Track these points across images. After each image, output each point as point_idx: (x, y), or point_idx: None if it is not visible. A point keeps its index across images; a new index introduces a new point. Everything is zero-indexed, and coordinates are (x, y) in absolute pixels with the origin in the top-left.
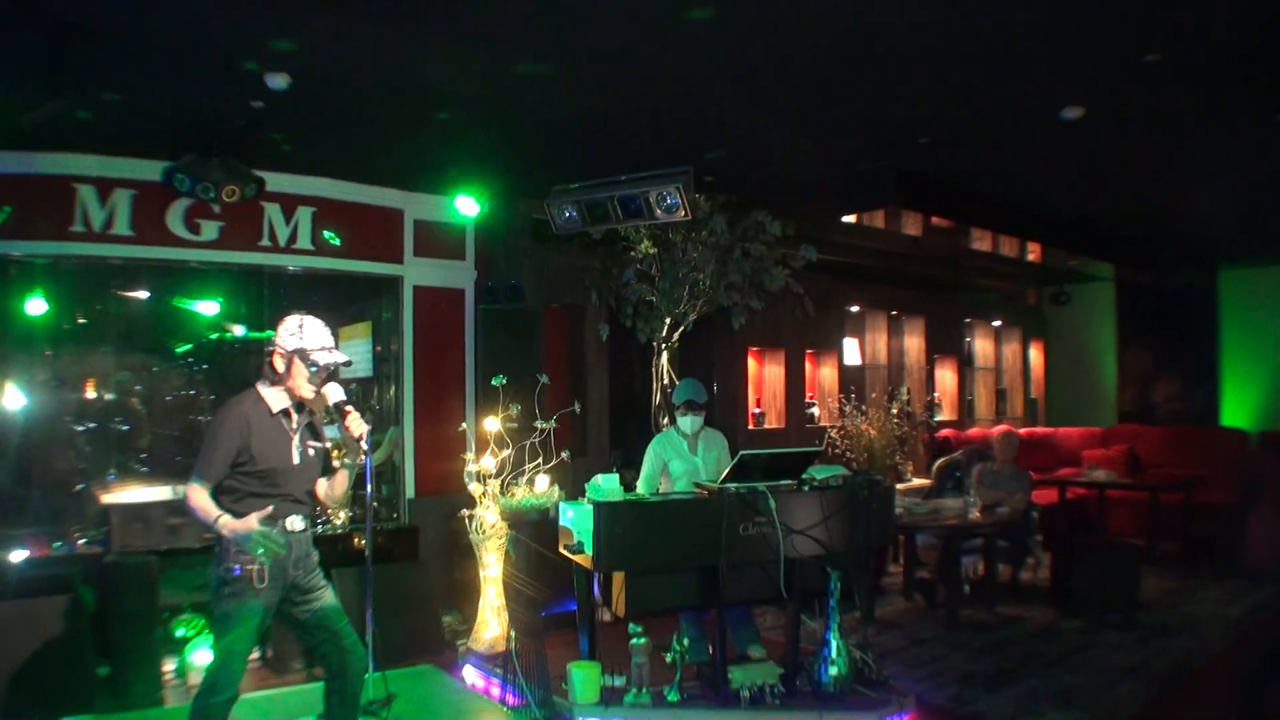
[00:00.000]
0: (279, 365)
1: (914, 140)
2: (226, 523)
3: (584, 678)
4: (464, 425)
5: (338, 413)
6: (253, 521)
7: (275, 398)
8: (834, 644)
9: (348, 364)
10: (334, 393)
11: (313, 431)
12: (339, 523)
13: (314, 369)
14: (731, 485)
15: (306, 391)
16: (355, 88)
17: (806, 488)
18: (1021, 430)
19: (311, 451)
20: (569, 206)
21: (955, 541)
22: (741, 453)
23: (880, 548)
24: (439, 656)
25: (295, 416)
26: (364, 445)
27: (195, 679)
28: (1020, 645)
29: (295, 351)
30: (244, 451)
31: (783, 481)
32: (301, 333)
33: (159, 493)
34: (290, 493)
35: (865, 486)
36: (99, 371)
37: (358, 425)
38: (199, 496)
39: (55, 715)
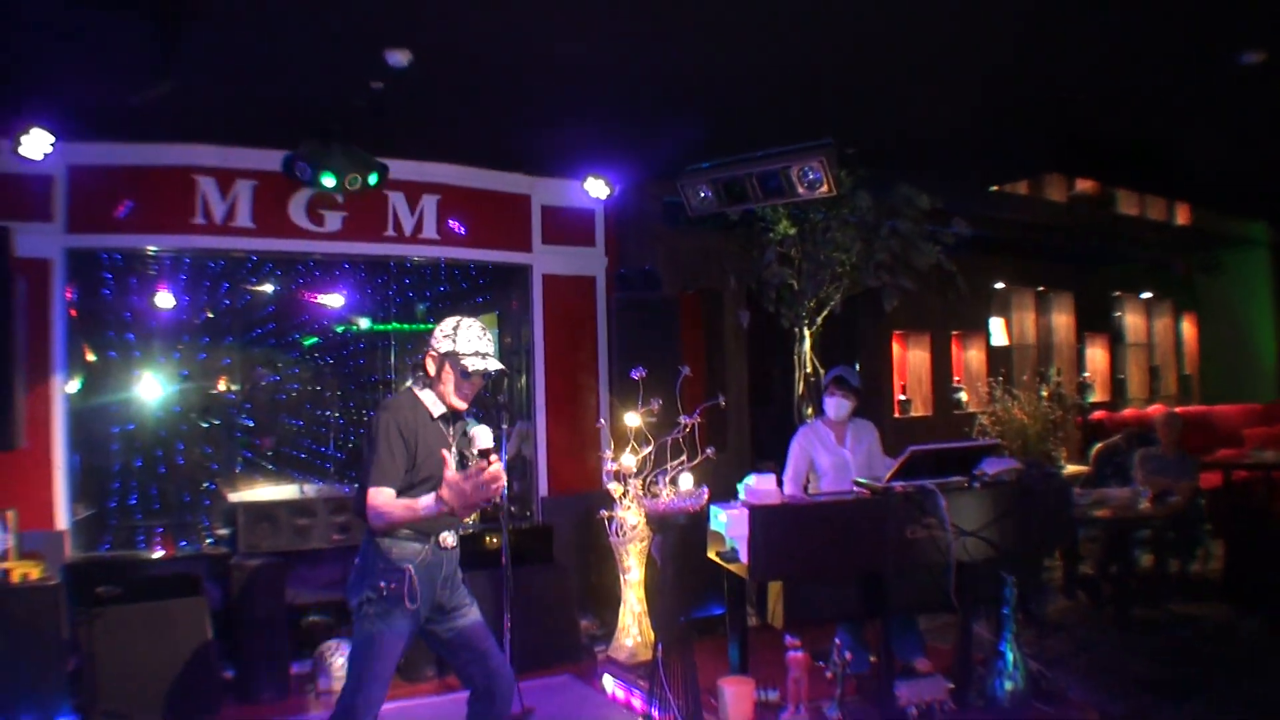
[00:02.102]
0: (430, 368)
1: (1073, 98)
2: (444, 487)
3: (736, 695)
4: (602, 421)
5: (482, 459)
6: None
7: (433, 401)
8: (1009, 655)
9: (502, 373)
10: (483, 437)
11: (467, 441)
12: (469, 521)
13: (465, 376)
14: (896, 483)
15: (455, 400)
16: (481, 63)
17: (977, 484)
18: (1178, 409)
19: (468, 461)
20: (704, 186)
21: (1126, 534)
22: (910, 449)
23: (1059, 549)
24: (576, 664)
25: (454, 425)
26: (495, 499)
27: (323, 684)
28: (1199, 648)
29: (446, 355)
30: (410, 456)
31: (952, 478)
32: (455, 335)
33: (286, 491)
34: None
35: (1040, 481)
36: (224, 366)
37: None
38: (386, 505)
39: None
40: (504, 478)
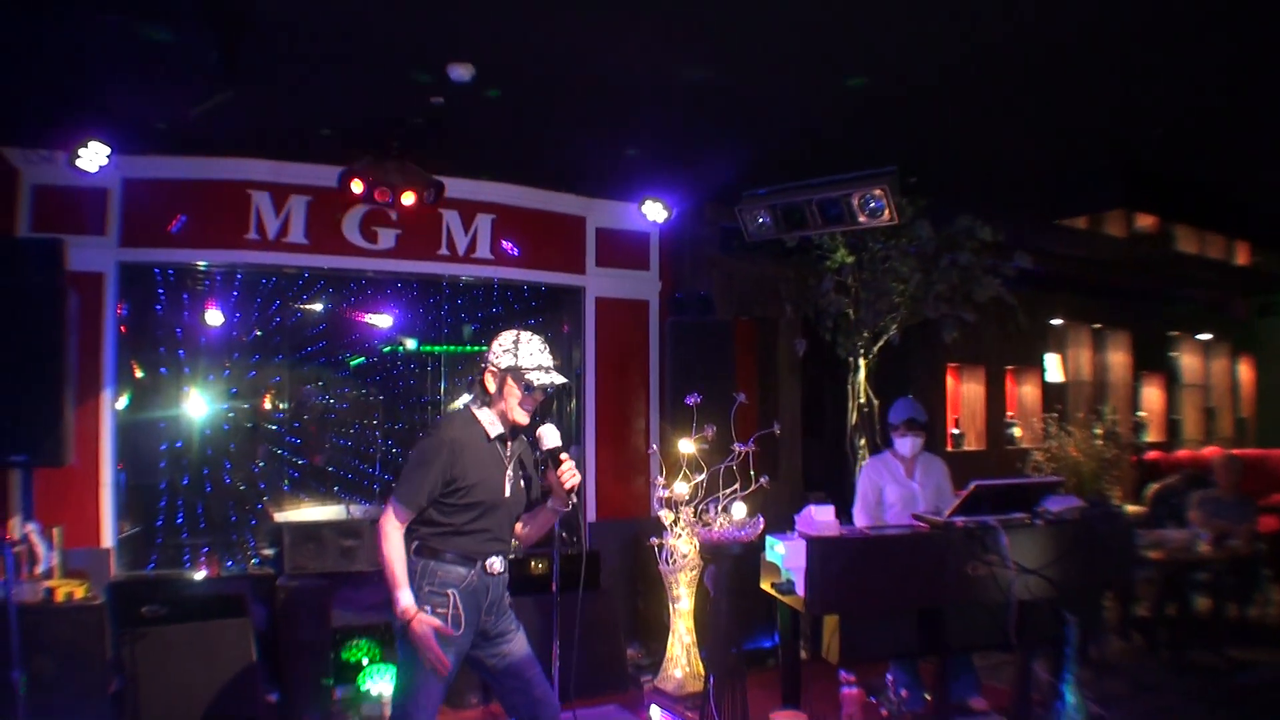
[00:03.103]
0: (490, 384)
1: (1146, 133)
2: (416, 619)
3: None
4: (654, 447)
5: (552, 460)
6: (435, 625)
7: (490, 421)
8: (1070, 697)
9: (565, 386)
10: (550, 436)
11: (524, 462)
12: (516, 545)
13: (528, 390)
14: (958, 518)
15: (519, 416)
16: (541, 84)
17: (1039, 521)
18: (1235, 451)
19: (523, 484)
20: (763, 212)
21: (1183, 577)
22: (975, 483)
23: (1119, 589)
24: (623, 694)
25: (510, 444)
26: (574, 499)
27: (367, 709)
28: (1259, 694)
29: (508, 370)
30: (455, 480)
31: (1014, 515)
32: (516, 349)
33: (332, 512)
34: (495, 530)
35: (1104, 520)
36: (273, 384)
37: (571, 476)
38: (394, 540)
39: None
40: (578, 476)
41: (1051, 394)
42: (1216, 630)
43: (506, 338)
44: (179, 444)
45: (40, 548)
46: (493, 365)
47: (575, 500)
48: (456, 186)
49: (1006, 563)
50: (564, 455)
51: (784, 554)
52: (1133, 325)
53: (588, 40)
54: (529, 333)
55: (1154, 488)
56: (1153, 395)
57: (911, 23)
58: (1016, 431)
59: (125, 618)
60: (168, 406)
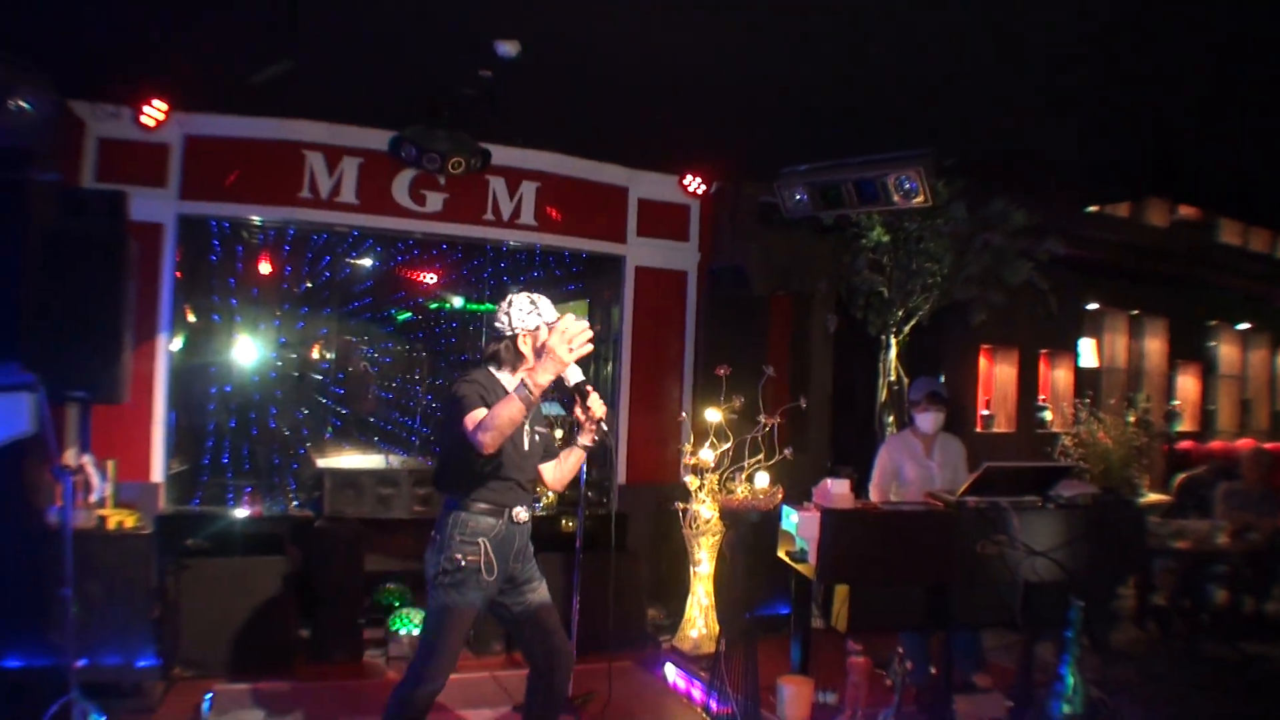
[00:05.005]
0: (524, 347)
1: (1181, 122)
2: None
3: (794, 694)
4: (684, 414)
5: (579, 394)
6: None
7: (508, 380)
8: (1070, 680)
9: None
10: (574, 373)
11: (538, 420)
12: (547, 504)
13: None
14: (970, 498)
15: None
16: (587, 57)
17: (1051, 505)
18: (1266, 445)
19: (538, 437)
20: (800, 189)
21: (1201, 568)
22: (986, 464)
23: (1129, 577)
24: (640, 652)
25: None
26: (604, 427)
27: (393, 650)
28: (1270, 689)
29: (537, 328)
30: None
31: (1026, 497)
32: (537, 308)
33: (372, 460)
34: (519, 480)
35: (1116, 508)
36: (321, 335)
37: (599, 406)
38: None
39: (256, 676)
40: (604, 406)
41: (1084, 379)
42: (1231, 623)
43: (522, 300)
44: (228, 388)
45: (95, 478)
46: (523, 329)
47: (605, 431)
48: (503, 154)
49: (1015, 544)
50: (589, 387)
51: (799, 523)
52: (1170, 313)
53: (632, 20)
54: (534, 292)
55: (1182, 477)
56: (1188, 384)
57: (949, 9)
58: (1047, 415)
59: (171, 549)
60: (219, 352)
